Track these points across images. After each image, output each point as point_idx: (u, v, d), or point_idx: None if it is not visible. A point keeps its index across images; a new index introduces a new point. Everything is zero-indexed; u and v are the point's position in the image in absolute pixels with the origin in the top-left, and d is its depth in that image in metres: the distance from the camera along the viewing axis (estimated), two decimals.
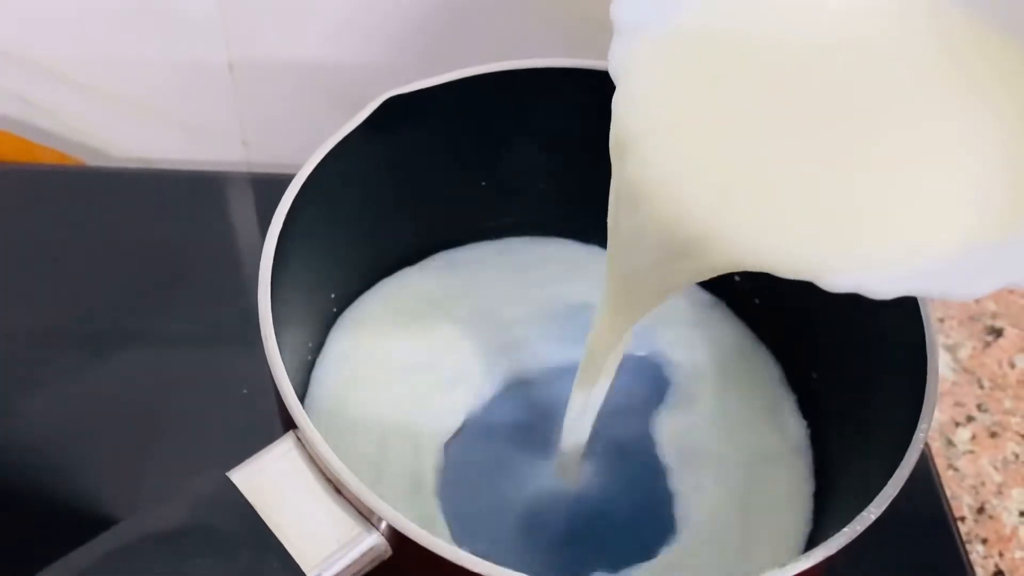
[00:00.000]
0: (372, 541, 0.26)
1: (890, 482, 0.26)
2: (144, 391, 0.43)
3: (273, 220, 0.30)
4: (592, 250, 0.41)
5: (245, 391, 0.42)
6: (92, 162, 0.54)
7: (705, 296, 0.41)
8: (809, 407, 0.38)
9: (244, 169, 0.54)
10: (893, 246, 0.22)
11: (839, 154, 0.23)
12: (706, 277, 0.24)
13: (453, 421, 0.36)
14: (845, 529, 0.25)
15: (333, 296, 0.37)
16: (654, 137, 0.24)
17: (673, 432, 0.37)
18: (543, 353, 0.38)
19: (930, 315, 0.30)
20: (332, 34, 0.48)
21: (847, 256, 0.22)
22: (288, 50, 0.49)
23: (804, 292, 0.37)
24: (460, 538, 0.33)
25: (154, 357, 0.44)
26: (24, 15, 0.48)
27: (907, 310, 0.31)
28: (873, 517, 0.26)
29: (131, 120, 0.53)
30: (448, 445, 0.36)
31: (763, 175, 0.23)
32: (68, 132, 0.53)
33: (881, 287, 0.22)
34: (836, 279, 0.22)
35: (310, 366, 0.37)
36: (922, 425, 0.27)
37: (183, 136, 0.54)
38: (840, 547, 0.25)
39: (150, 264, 0.48)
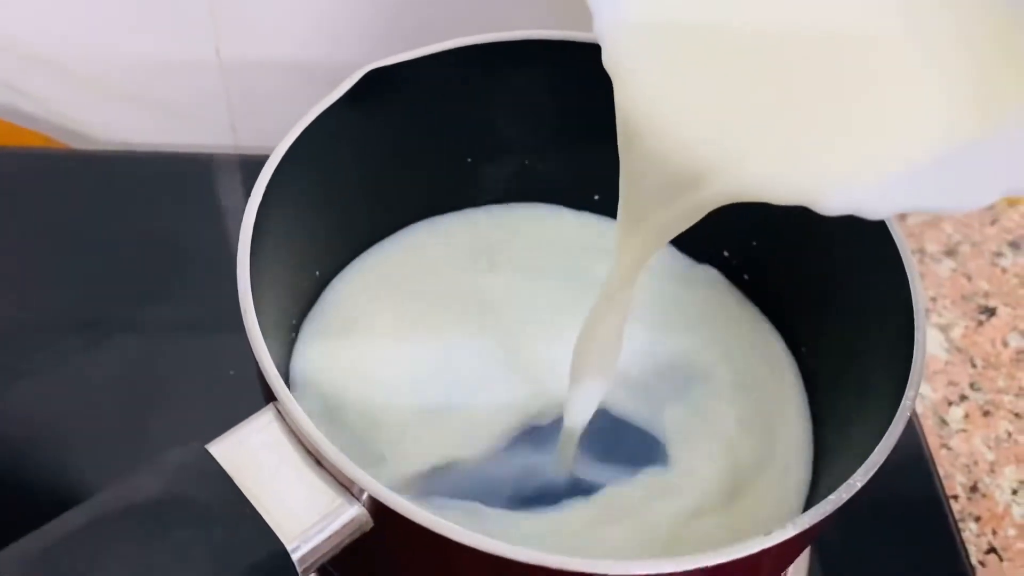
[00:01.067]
0: (353, 512, 0.25)
1: (876, 449, 0.26)
2: (133, 373, 0.43)
3: (253, 191, 0.30)
4: (582, 218, 0.41)
5: (232, 372, 0.42)
6: (79, 147, 0.54)
7: (699, 273, 0.40)
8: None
9: (232, 151, 0.54)
10: (879, 158, 0.22)
11: (817, 81, 0.24)
12: (702, 212, 0.24)
13: (438, 395, 0.35)
14: (831, 496, 0.25)
15: (318, 273, 0.37)
16: (642, 75, 0.24)
17: (671, 409, 0.36)
18: (530, 322, 0.38)
19: (919, 287, 0.30)
20: (320, 16, 0.48)
21: (838, 175, 0.22)
22: (276, 34, 0.49)
23: (791, 266, 0.37)
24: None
25: (144, 340, 0.44)
26: (12, 3, 0.47)
27: (895, 281, 0.31)
28: (859, 485, 0.25)
29: (120, 106, 0.52)
30: (439, 411, 0.35)
31: (749, 108, 0.24)
32: (56, 118, 0.53)
33: (876, 205, 0.22)
34: (830, 200, 0.22)
35: (295, 342, 0.36)
36: (909, 392, 0.27)
37: (171, 121, 0.53)
38: (825, 514, 0.25)
39: (138, 247, 0.48)
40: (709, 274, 0.40)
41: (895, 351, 0.30)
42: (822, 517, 0.25)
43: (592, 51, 0.35)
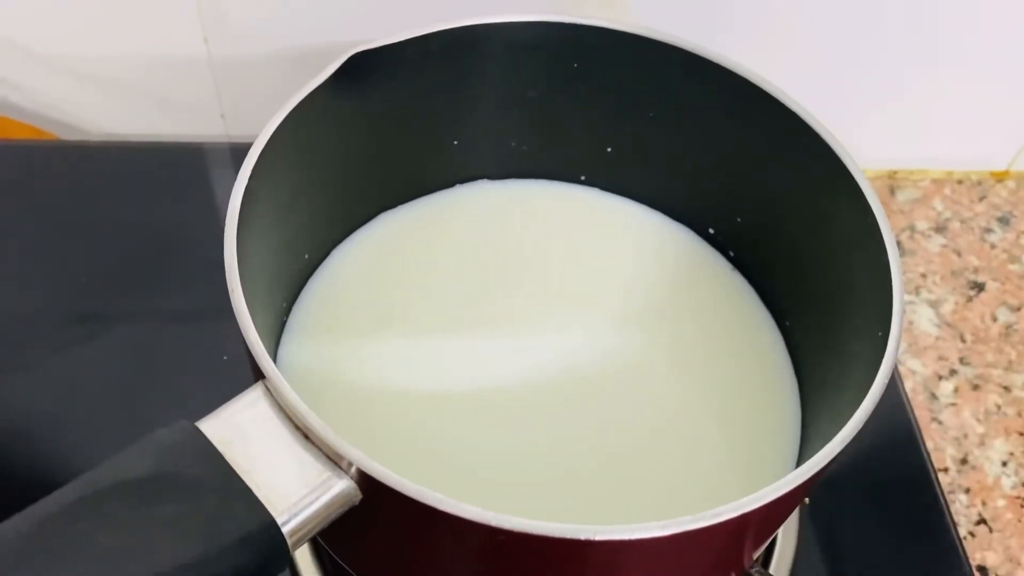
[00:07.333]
0: (342, 486, 0.26)
1: (851, 419, 0.26)
2: (127, 362, 0.43)
3: (239, 175, 0.30)
4: (571, 190, 0.41)
5: (226, 357, 0.42)
6: (69, 138, 0.54)
7: (695, 255, 0.41)
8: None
9: (222, 140, 0.54)
10: None
11: None
12: None
13: (430, 370, 0.36)
14: (810, 461, 0.25)
15: (307, 256, 0.37)
16: None
17: (662, 380, 0.37)
18: (522, 301, 0.38)
19: (897, 262, 0.30)
20: (308, 4, 0.48)
21: None
22: (264, 22, 0.49)
23: (775, 242, 0.37)
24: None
25: (137, 328, 0.44)
26: None
27: (875, 256, 0.31)
28: (837, 450, 0.26)
29: (109, 97, 0.52)
30: (425, 393, 0.35)
31: None
32: (45, 109, 0.53)
33: None
34: None
35: (285, 324, 0.37)
36: (887, 361, 0.28)
37: (161, 111, 0.53)
38: (805, 479, 0.25)
39: (130, 237, 0.48)
40: (696, 249, 0.41)
41: (876, 323, 0.30)
42: (802, 481, 0.25)
43: (575, 33, 0.35)
